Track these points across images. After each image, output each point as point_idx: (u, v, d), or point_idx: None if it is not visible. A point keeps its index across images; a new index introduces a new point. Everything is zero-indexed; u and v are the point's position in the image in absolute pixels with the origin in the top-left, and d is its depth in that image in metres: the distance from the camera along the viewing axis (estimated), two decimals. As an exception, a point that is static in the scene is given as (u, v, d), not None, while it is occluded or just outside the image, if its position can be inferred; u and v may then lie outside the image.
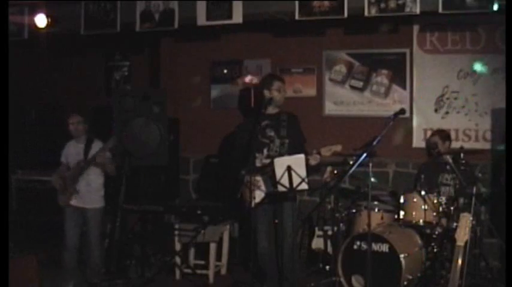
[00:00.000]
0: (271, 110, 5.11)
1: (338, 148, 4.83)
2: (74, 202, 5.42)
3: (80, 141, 5.51)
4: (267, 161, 4.95)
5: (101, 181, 5.53)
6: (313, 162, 4.83)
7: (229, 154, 5.56)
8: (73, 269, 5.46)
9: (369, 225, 4.75)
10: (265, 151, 5.04)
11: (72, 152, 5.52)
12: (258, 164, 4.98)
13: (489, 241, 5.88)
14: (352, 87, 6.75)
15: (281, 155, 4.91)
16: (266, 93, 5.08)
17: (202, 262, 6.05)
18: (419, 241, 5.33)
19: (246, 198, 4.87)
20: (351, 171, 4.81)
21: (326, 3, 5.12)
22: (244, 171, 4.93)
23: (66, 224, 5.45)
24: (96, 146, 5.44)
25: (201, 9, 5.49)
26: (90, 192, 5.44)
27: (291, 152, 4.93)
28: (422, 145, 6.42)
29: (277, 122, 5.07)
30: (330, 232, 5.91)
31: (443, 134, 5.92)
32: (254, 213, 4.93)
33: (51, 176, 5.59)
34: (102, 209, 5.52)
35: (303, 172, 4.66)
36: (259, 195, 4.87)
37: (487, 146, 6.26)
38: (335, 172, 5.74)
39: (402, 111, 4.84)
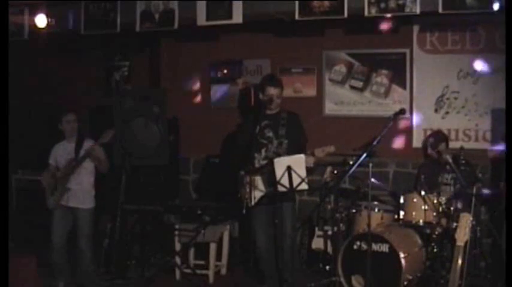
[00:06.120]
0: (271, 110, 5.11)
1: (331, 149, 4.81)
2: (64, 202, 5.33)
3: (71, 140, 5.44)
4: (264, 162, 4.95)
5: (91, 180, 5.46)
6: (307, 164, 4.82)
7: (229, 154, 5.55)
8: (64, 270, 5.42)
9: (369, 225, 4.76)
10: (263, 151, 5.04)
11: (62, 152, 5.44)
12: (256, 165, 4.98)
13: (489, 241, 5.88)
14: (352, 87, 6.75)
15: (278, 155, 4.90)
16: (261, 96, 5.10)
17: (202, 262, 6.06)
18: (419, 241, 5.33)
19: (244, 198, 4.87)
20: (351, 171, 4.81)
21: (326, 3, 5.12)
22: (243, 171, 4.93)
23: (55, 224, 5.37)
24: (88, 144, 5.35)
25: (201, 9, 5.49)
26: (81, 191, 5.36)
27: (289, 151, 4.93)
28: (423, 144, 6.43)
29: (276, 122, 5.07)
30: (330, 232, 5.91)
31: (440, 136, 5.92)
32: (252, 213, 4.94)
33: (40, 176, 5.53)
34: (92, 209, 5.42)
35: (302, 172, 4.66)
36: (257, 195, 4.87)
37: (487, 146, 6.26)
38: (335, 172, 5.74)
39: (402, 111, 4.85)
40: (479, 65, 6.24)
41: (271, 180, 4.78)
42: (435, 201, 5.33)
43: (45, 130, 6.40)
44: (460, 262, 3.78)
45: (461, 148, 5.51)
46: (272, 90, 5.03)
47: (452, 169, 5.25)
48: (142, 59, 7.50)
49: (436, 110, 6.45)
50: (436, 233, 5.30)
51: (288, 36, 6.77)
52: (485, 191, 5.08)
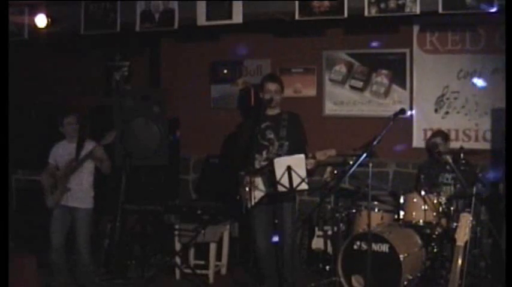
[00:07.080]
0: (272, 111, 5.10)
1: (332, 152, 4.83)
2: (64, 202, 5.33)
3: (72, 141, 5.43)
4: (265, 163, 4.95)
5: (91, 181, 5.45)
6: (308, 166, 4.82)
7: (229, 154, 5.54)
8: (63, 270, 5.40)
9: (369, 225, 4.76)
10: (264, 153, 5.03)
11: (62, 152, 5.43)
12: (256, 166, 4.96)
13: (489, 241, 5.88)
14: (352, 87, 6.75)
15: (279, 157, 4.89)
16: (261, 95, 5.10)
17: (202, 262, 6.05)
18: (419, 241, 5.33)
19: (244, 199, 4.87)
20: (351, 171, 4.81)
21: (326, 3, 5.13)
22: (243, 172, 4.93)
23: (53, 224, 5.36)
24: (89, 145, 5.35)
25: (201, 9, 5.49)
26: (81, 191, 5.35)
27: (291, 153, 4.92)
28: (422, 144, 6.41)
29: (277, 123, 5.06)
30: (330, 232, 5.91)
31: (444, 135, 5.94)
32: (252, 213, 4.94)
33: (40, 176, 5.53)
34: (91, 210, 5.41)
35: (303, 172, 4.66)
36: (257, 196, 4.87)
37: (487, 146, 6.26)
38: (335, 172, 5.74)
39: (402, 111, 4.84)
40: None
41: (271, 180, 4.78)
42: (435, 201, 5.34)
43: (45, 130, 6.41)
44: (460, 262, 3.77)
45: (461, 148, 5.52)
46: (271, 86, 5.04)
47: (453, 169, 5.25)
48: (142, 59, 7.50)
49: (436, 110, 6.45)
50: (436, 233, 5.31)
51: (288, 36, 6.77)
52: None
